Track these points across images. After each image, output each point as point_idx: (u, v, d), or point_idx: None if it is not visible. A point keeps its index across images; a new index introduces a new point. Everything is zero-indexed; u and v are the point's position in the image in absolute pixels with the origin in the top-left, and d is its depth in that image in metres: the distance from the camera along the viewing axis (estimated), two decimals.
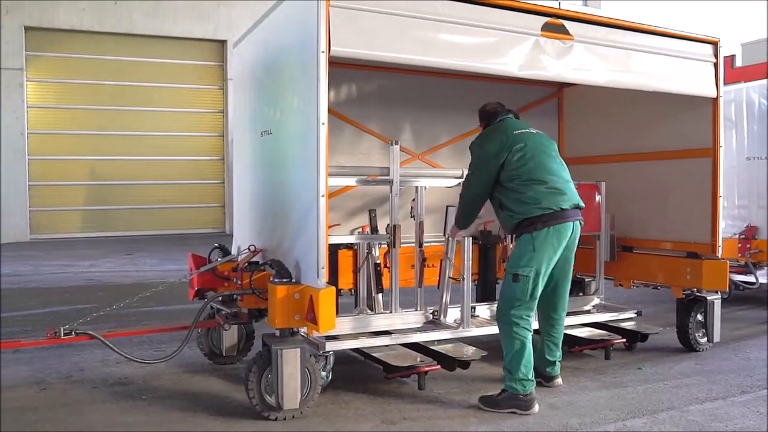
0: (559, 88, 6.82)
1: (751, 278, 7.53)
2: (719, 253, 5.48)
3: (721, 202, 5.57)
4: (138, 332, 5.25)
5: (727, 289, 6.42)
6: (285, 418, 3.93)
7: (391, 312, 5.09)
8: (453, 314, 5.15)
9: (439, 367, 4.50)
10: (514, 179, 4.30)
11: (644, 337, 5.53)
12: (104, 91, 16.21)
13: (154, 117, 16.67)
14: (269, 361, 3.91)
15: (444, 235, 5.05)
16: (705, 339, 5.54)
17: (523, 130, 4.46)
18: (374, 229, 5.47)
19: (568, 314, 4.94)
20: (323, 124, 3.74)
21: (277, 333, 3.97)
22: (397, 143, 4.94)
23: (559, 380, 4.69)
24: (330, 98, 5.63)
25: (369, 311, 5.24)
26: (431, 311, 5.19)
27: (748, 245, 7.58)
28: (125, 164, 16.42)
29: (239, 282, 4.41)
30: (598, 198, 5.76)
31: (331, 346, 4.39)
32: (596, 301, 5.93)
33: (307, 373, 3.97)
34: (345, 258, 5.31)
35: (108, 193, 16.32)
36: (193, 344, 5.11)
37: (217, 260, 4.76)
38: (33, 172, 15.60)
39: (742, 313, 7.34)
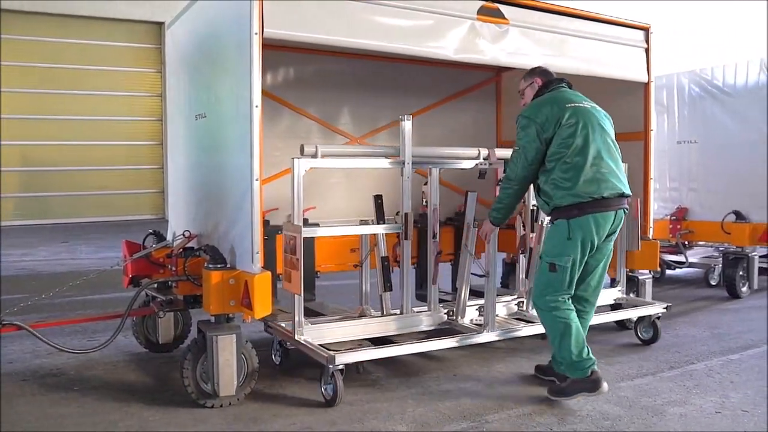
0: (497, 72, 6.88)
1: (681, 258, 7.78)
2: (651, 234, 5.64)
3: (653, 185, 5.73)
4: (70, 322, 5.10)
5: (659, 269, 6.63)
6: (221, 405, 3.89)
7: (402, 313, 4.71)
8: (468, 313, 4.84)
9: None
10: (557, 159, 3.93)
11: None
12: (37, 74, 15.61)
13: (89, 101, 16.16)
14: (204, 348, 3.86)
15: (469, 225, 4.66)
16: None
17: (577, 104, 4.05)
18: (381, 218, 4.81)
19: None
20: (257, 107, 3.69)
21: (213, 319, 3.92)
22: (409, 119, 4.52)
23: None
24: (267, 82, 5.58)
25: (373, 312, 4.85)
26: (446, 311, 4.85)
27: (678, 226, 7.82)
28: (61, 149, 15.89)
29: (174, 268, 4.34)
30: None
31: (341, 360, 3.94)
32: (618, 294, 5.57)
33: (243, 359, 3.94)
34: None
35: (43, 179, 15.78)
36: (128, 333, 5.02)
37: (151, 247, 4.66)
38: None
39: (673, 292, 7.58)
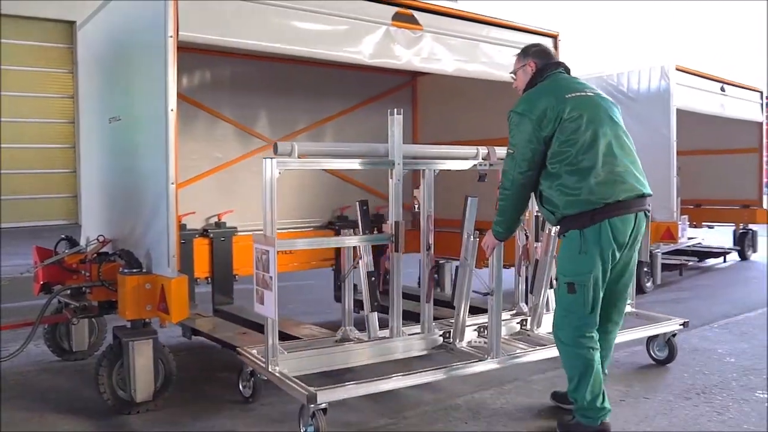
0: (413, 76, 7.02)
1: None
2: None
3: None
4: None
5: None
6: (139, 412, 3.85)
7: (391, 336, 4.26)
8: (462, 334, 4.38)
9: None
10: (561, 161, 3.39)
11: None
12: None
13: None
14: (120, 354, 3.81)
15: (462, 233, 4.30)
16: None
17: (579, 93, 3.50)
18: (367, 227, 4.28)
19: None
20: (172, 110, 3.67)
21: (129, 325, 3.87)
22: (400, 113, 4.13)
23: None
24: (182, 84, 5.53)
25: (357, 333, 4.38)
26: (441, 333, 4.43)
27: None
28: None
29: (88, 274, 4.26)
30: None
31: (324, 398, 3.36)
32: (629, 308, 4.82)
33: (161, 364, 3.90)
34: (200, 246, 5.23)
35: None
36: (40, 341, 4.89)
37: (64, 252, 4.55)
38: None
39: None
